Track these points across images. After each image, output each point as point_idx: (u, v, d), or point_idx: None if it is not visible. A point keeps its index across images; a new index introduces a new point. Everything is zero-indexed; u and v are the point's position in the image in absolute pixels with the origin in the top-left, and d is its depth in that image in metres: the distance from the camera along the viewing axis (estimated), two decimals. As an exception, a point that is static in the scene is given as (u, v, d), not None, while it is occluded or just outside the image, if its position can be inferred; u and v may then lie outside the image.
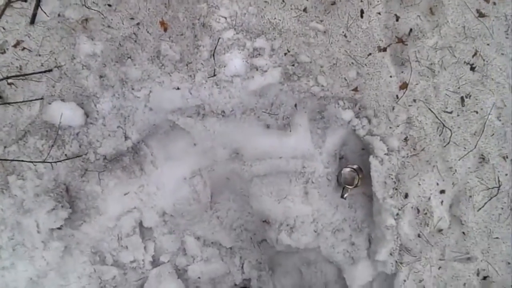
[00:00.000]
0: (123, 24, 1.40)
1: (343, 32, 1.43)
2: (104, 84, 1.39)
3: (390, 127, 1.43)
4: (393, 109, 1.44)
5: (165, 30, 1.41)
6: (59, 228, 1.38)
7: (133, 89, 1.38)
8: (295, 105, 1.45)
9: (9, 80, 1.39)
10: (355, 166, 1.47)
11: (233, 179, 1.49)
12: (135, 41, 1.40)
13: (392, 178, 1.40)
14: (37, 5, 1.39)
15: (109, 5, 1.41)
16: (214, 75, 1.39)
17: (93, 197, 1.40)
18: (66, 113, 1.35)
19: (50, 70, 1.40)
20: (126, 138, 1.40)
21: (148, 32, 1.41)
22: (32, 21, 1.41)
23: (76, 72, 1.39)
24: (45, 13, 1.41)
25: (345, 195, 1.43)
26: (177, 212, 1.45)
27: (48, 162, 1.35)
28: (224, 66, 1.39)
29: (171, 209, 1.44)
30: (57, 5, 1.42)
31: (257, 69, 1.39)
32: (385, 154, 1.40)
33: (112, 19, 1.41)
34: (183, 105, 1.39)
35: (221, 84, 1.39)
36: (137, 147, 1.43)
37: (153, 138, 1.45)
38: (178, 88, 1.37)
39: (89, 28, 1.41)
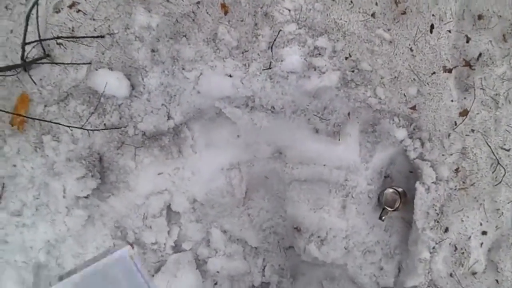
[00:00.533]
0: (183, 1, 1.56)
1: (409, 45, 1.56)
2: (155, 59, 1.54)
3: (443, 155, 1.54)
4: (449, 136, 1.55)
5: (226, 13, 1.56)
6: (85, 197, 1.53)
7: (183, 68, 1.53)
8: (348, 114, 1.58)
9: (59, 40, 1.55)
10: (399, 189, 1.57)
11: (271, 179, 1.63)
12: (193, 20, 1.55)
13: (435, 209, 1.51)
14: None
15: (170, -21, 1.57)
16: (270, 68, 1.53)
17: (125, 171, 1.55)
18: (111, 82, 1.49)
19: (102, 36, 1.55)
20: (169, 117, 1.55)
21: (207, 12, 1.55)
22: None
23: (128, 42, 1.54)
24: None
25: (384, 217, 1.55)
26: (208, 202, 1.60)
27: (86, 129, 1.50)
28: (281, 61, 1.53)
29: (202, 197, 1.59)
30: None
31: (315, 69, 1.53)
32: (433, 182, 1.52)
33: (172, -6, 1.56)
34: (232, 93, 1.53)
35: (275, 79, 1.53)
36: (179, 129, 1.58)
37: (197, 122, 1.60)
38: (230, 76, 1.52)
39: (147, 0, 1.56)
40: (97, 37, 1.55)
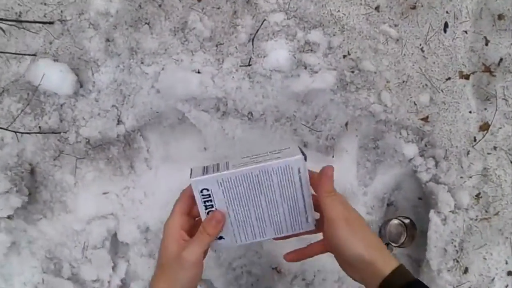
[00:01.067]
0: None
1: (420, 44, 1.28)
2: (110, 50, 1.24)
3: (461, 177, 1.25)
4: (468, 153, 1.27)
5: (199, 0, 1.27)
6: (8, 218, 1.20)
7: (142, 62, 1.22)
8: (346, 124, 1.27)
9: (4, 27, 1.26)
10: (406, 220, 1.27)
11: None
12: (160, 6, 1.25)
13: (454, 245, 1.20)
14: None
15: (137, -40, 1.29)
16: (249, 65, 1.23)
17: (62, 188, 1.23)
18: (53, 75, 1.18)
19: (51, 23, 1.25)
20: (119, 122, 1.23)
21: (177, -2, 1.27)
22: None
23: (80, 30, 1.24)
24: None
25: None
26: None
27: (13, 132, 1.18)
28: (264, 56, 1.23)
29: (157, 225, 1.24)
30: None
31: (305, 68, 1.23)
32: (450, 211, 1.21)
33: (137, -24, 1.27)
34: (200, 93, 1.22)
35: (255, 78, 1.23)
36: (131, 137, 1.25)
37: (153, 129, 1.28)
38: (198, 72, 1.21)
39: None
40: (45, 23, 1.25)
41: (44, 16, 1.26)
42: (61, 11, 1.26)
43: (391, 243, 1.24)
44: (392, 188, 1.31)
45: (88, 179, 1.24)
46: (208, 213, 0.74)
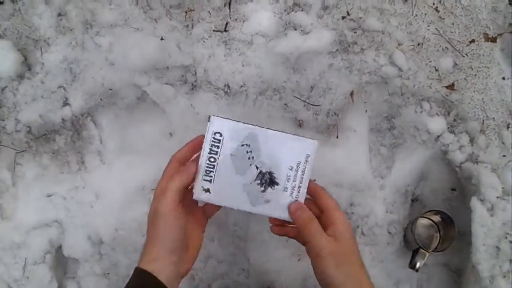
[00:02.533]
0: None
1: (434, 4, 1.03)
2: (62, 25, 0.99)
3: (505, 156, 0.96)
4: (508, 126, 0.99)
5: (166, -36, 1.04)
6: None
7: (97, 36, 0.98)
8: (351, 94, 0.98)
9: None
10: (437, 217, 0.98)
11: (225, 207, 0.96)
12: (120, -27, 1.03)
13: (510, 241, 0.88)
14: None
15: None
16: (225, 30, 0.97)
17: None
18: None
19: (1, 3, 1.05)
20: (65, 103, 0.95)
21: (141, -37, 1.04)
22: None
23: (31, 6, 1.01)
24: None
25: (417, 265, 0.92)
26: (120, 244, 0.94)
27: None
28: (243, 21, 0.97)
29: (111, 235, 0.93)
30: None
31: (295, 29, 0.97)
32: (498, 197, 0.90)
33: None
34: (161, 62, 0.95)
35: (232, 45, 0.96)
36: (80, 123, 0.97)
37: (106, 112, 0.99)
38: (161, 38, 0.95)
39: None
40: None
41: (-5, -4, 1.04)
42: None
43: (422, 249, 0.92)
44: (416, 178, 1.01)
45: (29, 178, 0.96)
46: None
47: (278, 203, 0.72)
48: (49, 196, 0.97)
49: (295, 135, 0.72)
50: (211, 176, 0.70)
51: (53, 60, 0.98)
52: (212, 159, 0.70)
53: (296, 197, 0.72)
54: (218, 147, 0.70)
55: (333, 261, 0.65)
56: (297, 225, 0.69)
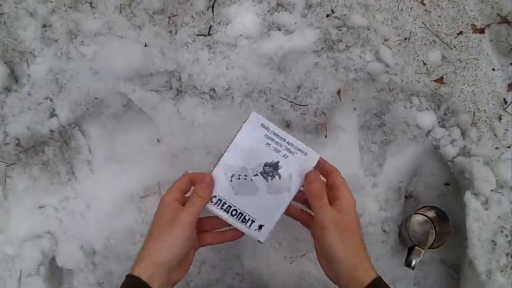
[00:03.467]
0: None
1: None
2: (46, 36, 0.98)
3: (497, 148, 0.94)
4: (500, 118, 0.97)
5: (148, -29, 1.03)
6: None
7: (82, 45, 0.96)
8: (338, 93, 0.96)
9: None
10: (431, 214, 0.96)
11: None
12: (103, -16, 1.01)
13: (506, 235, 0.85)
14: None
15: None
16: (209, 34, 0.95)
17: None
18: None
19: None
20: (52, 114, 0.94)
21: (124, -27, 1.02)
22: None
23: (16, 19, 1.00)
24: None
25: (413, 263, 0.90)
26: (112, 252, 0.92)
27: None
28: (227, 24, 0.95)
29: (103, 244, 0.92)
30: None
31: (279, 29, 0.95)
32: (492, 190, 0.88)
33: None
34: (145, 69, 0.93)
35: (216, 48, 0.95)
36: (68, 134, 0.96)
37: (93, 122, 0.98)
38: (145, 45, 0.93)
39: None
40: None
41: (-18, 12, 1.03)
42: (0, 5, 1.02)
43: (417, 246, 0.89)
44: (409, 174, 0.99)
45: (19, 190, 0.95)
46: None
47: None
48: (40, 207, 0.95)
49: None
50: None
51: (39, 71, 0.97)
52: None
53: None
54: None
55: (336, 231, 0.66)
56: (310, 194, 0.69)
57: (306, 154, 0.71)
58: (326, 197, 0.68)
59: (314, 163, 0.71)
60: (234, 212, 0.70)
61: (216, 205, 0.70)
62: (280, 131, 0.71)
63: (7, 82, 0.97)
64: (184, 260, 0.69)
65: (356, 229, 0.68)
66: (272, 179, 0.71)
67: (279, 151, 0.71)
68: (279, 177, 0.71)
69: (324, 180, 0.72)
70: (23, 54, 0.99)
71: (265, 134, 0.71)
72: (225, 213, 0.70)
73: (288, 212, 0.74)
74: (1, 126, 0.96)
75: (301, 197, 0.73)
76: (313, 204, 0.69)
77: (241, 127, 0.71)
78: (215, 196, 0.70)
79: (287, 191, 0.71)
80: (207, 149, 0.95)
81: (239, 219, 0.70)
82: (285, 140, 0.71)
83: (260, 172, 0.71)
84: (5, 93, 0.97)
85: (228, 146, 0.71)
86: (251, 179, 0.71)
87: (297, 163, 0.71)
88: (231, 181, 0.70)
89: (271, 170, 0.71)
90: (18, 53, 0.99)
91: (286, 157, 0.71)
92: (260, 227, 0.70)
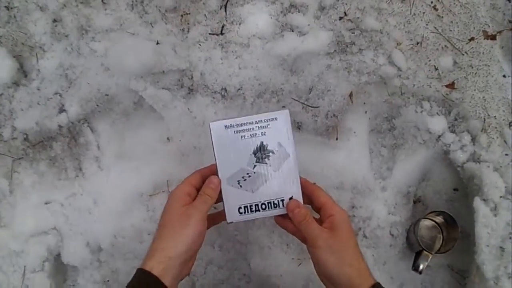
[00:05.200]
0: None
1: (432, 2, 1.03)
2: (57, 31, 0.99)
3: (507, 154, 0.95)
4: (510, 125, 0.99)
5: (162, -30, 1.04)
6: None
7: (92, 41, 0.97)
8: (350, 96, 0.98)
9: None
10: (440, 219, 0.97)
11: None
12: (116, -22, 1.03)
13: None
14: None
15: None
16: (222, 33, 0.97)
17: None
18: None
19: None
20: (61, 110, 0.95)
21: (137, -32, 1.04)
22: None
23: (26, 13, 1.01)
24: None
25: (421, 267, 0.92)
26: (119, 250, 0.94)
27: None
28: (240, 24, 0.97)
29: (110, 242, 0.93)
30: None
31: (292, 30, 0.96)
32: (501, 196, 0.90)
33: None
34: (157, 66, 0.95)
35: (229, 48, 0.96)
36: (76, 130, 0.97)
37: (103, 118, 0.99)
38: (157, 43, 0.95)
39: None
40: None
41: (-8, 5, 1.04)
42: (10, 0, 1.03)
43: (425, 251, 0.91)
44: (418, 179, 1.00)
45: (26, 185, 0.96)
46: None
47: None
48: (47, 203, 0.96)
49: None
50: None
51: (48, 66, 0.98)
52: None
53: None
54: None
55: (328, 249, 0.67)
56: (294, 222, 0.72)
57: (276, 118, 0.73)
58: (310, 217, 0.71)
59: (288, 120, 0.73)
60: (263, 206, 0.72)
61: (245, 214, 0.73)
62: (241, 119, 0.73)
63: (16, 77, 0.98)
64: (194, 255, 0.71)
65: (350, 244, 0.70)
66: (269, 159, 0.73)
67: (255, 134, 0.73)
68: (272, 152, 0.73)
69: (301, 200, 0.74)
70: (33, 49, 1.00)
71: (234, 131, 0.73)
72: (257, 213, 0.73)
73: (286, 228, 0.76)
74: (9, 121, 0.98)
75: (305, 201, 0.75)
76: (300, 228, 0.71)
77: (212, 144, 0.73)
78: (240, 207, 0.73)
79: (288, 156, 0.73)
80: (217, 148, 0.95)
81: (271, 208, 0.73)
82: (252, 122, 0.73)
83: (256, 161, 0.73)
84: (14, 88, 0.98)
85: (216, 165, 0.73)
86: (254, 172, 0.73)
87: (275, 130, 0.73)
88: (240, 186, 0.73)
89: (262, 153, 0.73)
90: (28, 48, 1.00)
91: (264, 134, 0.73)
92: (291, 198, 0.73)
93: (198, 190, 0.74)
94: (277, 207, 0.73)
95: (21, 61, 1.00)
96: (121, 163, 0.98)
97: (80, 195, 0.97)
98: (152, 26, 0.99)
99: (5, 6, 1.02)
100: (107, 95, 0.96)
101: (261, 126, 0.73)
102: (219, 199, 0.73)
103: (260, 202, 0.73)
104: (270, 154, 0.73)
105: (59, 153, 0.98)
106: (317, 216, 0.74)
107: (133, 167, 0.97)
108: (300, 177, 0.74)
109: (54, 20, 1.01)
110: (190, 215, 0.68)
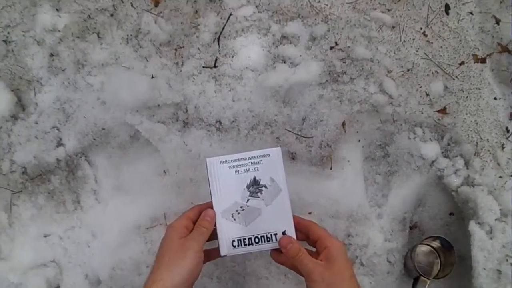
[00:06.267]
0: None
1: (421, 28, 1.06)
2: (54, 66, 1.03)
3: (501, 177, 0.98)
4: (503, 147, 1.01)
5: (156, 4, 1.08)
6: None
7: (89, 75, 1.01)
8: (343, 125, 1.01)
9: None
10: (436, 244, 0.99)
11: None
12: (111, 15, 1.06)
13: (511, 263, 0.89)
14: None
15: (94, -26, 1.12)
16: (215, 66, 1.00)
17: None
18: None
19: None
20: (59, 143, 0.99)
21: (132, 6, 1.07)
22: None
23: (23, 47, 1.05)
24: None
25: None
26: (117, 283, 0.95)
27: None
28: (233, 56, 1.01)
29: (108, 275, 0.95)
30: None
31: (284, 62, 1.00)
32: (496, 219, 0.92)
33: (91, -10, 1.10)
34: (152, 100, 0.98)
35: (222, 80, 1.00)
36: (74, 163, 1.00)
37: (100, 152, 1.02)
38: (152, 77, 0.99)
39: None
40: None
41: (-10, 40, 1.09)
42: (8, 33, 1.07)
43: (422, 276, 0.92)
44: (413, 204, 1.02)
45: (25, 218, 0.99)
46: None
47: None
48: (45, 236, 0.99)
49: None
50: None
51: (46, 100, 1.02)
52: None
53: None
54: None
55: (324, 282, 0.69)
56: (288, 257, 0.74)
57: (269, 155, 0.78)
58: (304, 252, 0.73)
59: (279, 156, 0.78)
60: (257, 240, 0.75)
61: (239, 247, 0.76)
62: (236, 155, 0.78)
63: (14, 110, 1.02)
64: (191, 286, 0.73)
65: (345, 272, 0.71)
66: (261, 193, 0.77)
67: (248, 169, 0.78)
68: (265, 187, 0.77)
69: (294, 234, 0.76)
70: (30, 83, 1.04)
71: (228, 166, 0.78)
72: (251, 246, 0.75)
73: (283, 264, 0.79)
74: (8, 154, 1.01)
75: (300, 237, 0.78)
76: (295, 263, 0.74)
77: (208, 179, 0.78)
78: (233, 240, 0.76)
79: (280, 191, 0.77)
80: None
81: (264, 242, 0.75)
82: (246, 158, 0.78)
83: (249, 195, 0.77)
84: (12, 121, 1.02)
85: (211, 199, 0.77)
86: (248, 206, 0.77)
87: (267, 165, 0.78)
88: (234, 220, 0.76)
89: (255, 188, 0.77)
90: (26, 82, 1.04)
91: (257, 169, 0.78)
92: (284, 232, 0.75)
93: (195, 223, 0.76)
94: (270, 241, 0.75)
95: (19, 94, 1.04)
96: (119, 196, 1.00)
97: (79, 228, 0.99)
98: (147, 60, 1.02)
99: (3, 40, 1.07)
100: (103, 128, 0.99)
101: (254, 162, 0.77)
102: (214, 236, 0.75)
103: (253, 235, 0.75)
104: (263, 188, 0.77)
105: (57, 187, 1.01)
106: (314, 249, 0.77)
107: (130, 200, 1.00)
108: (294, 215, 0.77)
109: (51, 55, 1.05)
110: (187, 247, 0.71)
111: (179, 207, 0.99)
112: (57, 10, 1.06)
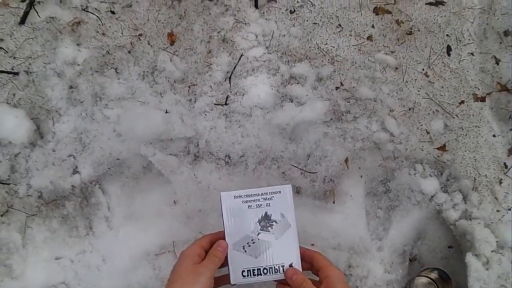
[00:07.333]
0: (122, 33, 1.18)
1: (423, 69, 1.14)
2: (73, 97, 1.12)
3: (498, 210, 1.04)
4: (501, 182, 1.07)
5: (172, 43, 1.17)
6: None
7: (106, 108, 1.10)
8: (346, 161, 1.08)
9: None
10: (434, 275, 1.04)
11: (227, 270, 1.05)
12: (129, 52, 1.15)
13: None
14: (30, 3, 1.22)
15: (112, 12, 1.21)
16: (226, 104, 1.09)
17: (8, 249, 1.03)
18: (7, 121, 1.07)
19: (16, 73, 1.16)
20: (75, 171, 1.07)
21: (149, 44, 1.16)
22: (22, 21, 1.22)
23: (44, 78, 1.14)
24: (37, 12, 1.21)
25: None
26: (126, 307, 1.02)
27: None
28: (243, 94, 1.09)
29: (117, 299, 1.01)
30: (54, 9, 1.25)
31: (291, 101, 1.08)
32: (492, 251, 0.98)
33: (110, 27, 1.18)
34: (165, 133, 1.06)
35: (232, 117, 1.08)
36: (88, 191, 1.08)
37: (114, 181, 1.10)
38: (166, 112, 1.07)
39: (78, 32, 1.19)
40: (10, 72, 1.15)
41: (12, 69, 1.16)
42: (29, 64, 1.16)
43: (422, 308, 0.97)
44: (413, 238, 1.08)
45: (38, 240, 1.06)
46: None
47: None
48: (57, 259, 1.05)
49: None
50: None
51: (64, 130, 1.10)
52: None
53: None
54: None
55: None
56: (293, 287, 0.81)
57: (280, 192, 0.85)
58: (308, 283, 0.80)
59: (290, 194, 0.84)
60: (265, 271, 0.82)
61: (248, 277, 0.83)
62: (248, 191, 0.85)
63: (33, 138, 1.10)
64: None
65: None
66: (272, 228, 0.84)
67: (261, 204, 0.84)
68: (275, 222, 0.84)
69: (300, 267, 0.84)
70: (50, 112, 1.12)
71: (241, 201, 0.85)
72: (259, 277, 0.82)
73: None
74: (25, 179, 1.09)
75: (305, 267, 0.85)
76: None
77: (221, 212, 0.84)
78: (243, 271, 0.83)
79: (289, 226, 0.84)
80: (220, 211, 1.04)
81: (272, 273, 0.82)
82: (258, 194, 0.85)
83: (260, 229, 0.84)
84: (30, 148, 1.10)
85: (224, 230, 0.84)
86: (258, 239, 0.83)
87: (278, 202, 0.84)
88: (245, 251, 0.83)
89: (266, 222, 0.84)
90: (45, 111, 1.12)
91: (269, 205, 0.84)
92: (291, 265, 0.83)
93: (206, 252, 0.83)
94: (278, 273, 0.82)
95: (38, 123, 1.12)
96: (130, 224, 1.07)
97: (90, 252, 1.05)
98: (162, 96, 1.11)
99: (25, 71, 1.15)
100: (118, 159, 1.07)
101: (266, 197, 0.85)
102: (225, 263, 0.83)
103: (262, 267, 0.82)
104: (274, 223, 0.83)
105: (71, 212, 1.08)
106: (318, 278, 0.83)
107: (141, 227, 1.06)
108: (300, 246, 0.84)
109: (71, 87, 1.13)
110: (200, 273, 0.77)
111: (187, 236, 1.05)
112: (77, 44, 1.15)
